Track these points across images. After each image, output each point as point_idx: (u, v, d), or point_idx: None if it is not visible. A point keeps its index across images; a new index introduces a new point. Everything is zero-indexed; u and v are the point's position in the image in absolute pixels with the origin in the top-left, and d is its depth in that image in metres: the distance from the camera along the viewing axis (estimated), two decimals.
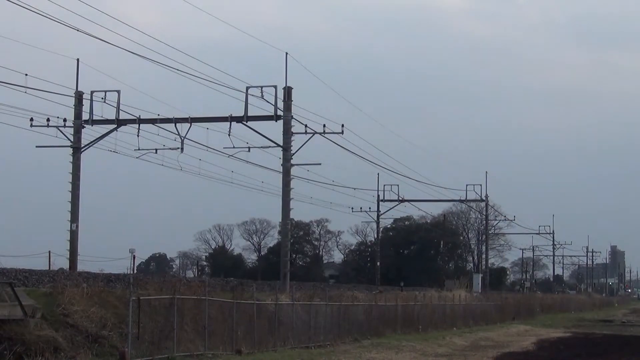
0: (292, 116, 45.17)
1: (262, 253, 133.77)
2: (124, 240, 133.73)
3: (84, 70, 47.65)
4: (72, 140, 46.83)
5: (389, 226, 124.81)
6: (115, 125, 46.58)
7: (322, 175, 55.50)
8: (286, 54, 45.21)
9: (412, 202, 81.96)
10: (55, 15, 32.50)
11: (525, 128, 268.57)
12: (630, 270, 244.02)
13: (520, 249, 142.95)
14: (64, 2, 32.54)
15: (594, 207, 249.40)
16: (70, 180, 46.84)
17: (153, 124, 45.81)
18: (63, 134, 46.60)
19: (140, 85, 73.72)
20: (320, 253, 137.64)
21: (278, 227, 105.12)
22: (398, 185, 78.43)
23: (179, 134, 45.27)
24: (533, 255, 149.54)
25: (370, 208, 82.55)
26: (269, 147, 45.66)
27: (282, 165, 45.74)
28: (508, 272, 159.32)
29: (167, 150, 46.38)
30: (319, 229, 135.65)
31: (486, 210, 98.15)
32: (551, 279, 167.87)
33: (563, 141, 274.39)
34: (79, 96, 46.54)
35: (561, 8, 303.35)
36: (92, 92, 46.21)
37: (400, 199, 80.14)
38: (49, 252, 49.06)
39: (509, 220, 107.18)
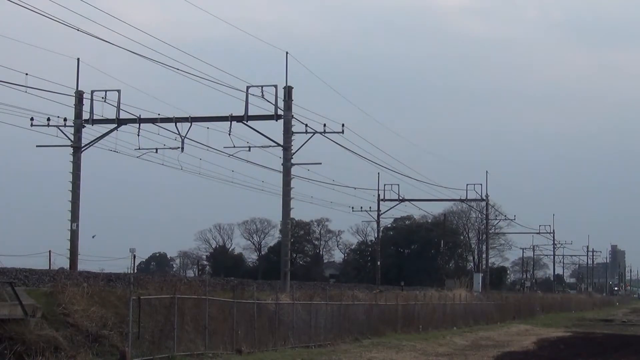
0: (292, 116, 45.15)
1: (263, 252, 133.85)
2: (125, 239, 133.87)
3: (84, 69, 47.70)
4: (72, 139, 46.82)
5: (389, 225, 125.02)
6: (116, 125, 46.57)
7: (322, 175, 55.54)
8: (286, 53, 45.25)
9: (412, 202, 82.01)
10: (55, 15, 32.53)
11: (526, 127, 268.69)
12: (631, 270, 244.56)
13: (521, 248, 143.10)
14: (64, 1, 32.57)
15: (594, 206, 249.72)
16: (71, 180, 46.83)
17: (153, 123, 45.79)
18: (63, 133, 46.62)
19: (141, 85, 73.79)
20: (321, 252, 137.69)
21: (278, 226, 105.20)
22: (398, 185, 78.58)
23: (179, 134, 45.29)
24: (533, 255, 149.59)
25: (370, 207, 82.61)
26: (270, 146, 45.68)
27: (282, 164, 45.72)
28: (508, 272, 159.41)
29: (167, 149, 46.39)
30: (319, 229, 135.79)
31: (486, 210, 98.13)
32: (551, 279, 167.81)
33: (563, 141, 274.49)
34: (79, 96, 46.54)
35: (561, 8, 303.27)
36: (92, 92, 46.20)
37: (400, 198, 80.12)
38: (50, 251, 49.08)
39: (509, 219, 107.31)
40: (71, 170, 46.90)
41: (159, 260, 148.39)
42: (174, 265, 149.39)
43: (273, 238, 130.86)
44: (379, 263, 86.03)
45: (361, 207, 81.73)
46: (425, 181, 73.10)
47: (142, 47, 45.63)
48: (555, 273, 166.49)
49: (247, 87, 44.30)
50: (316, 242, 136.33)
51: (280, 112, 44.55)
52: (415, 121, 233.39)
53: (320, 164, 49.08)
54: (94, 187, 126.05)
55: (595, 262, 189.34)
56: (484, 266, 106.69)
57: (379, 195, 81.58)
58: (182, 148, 45.56)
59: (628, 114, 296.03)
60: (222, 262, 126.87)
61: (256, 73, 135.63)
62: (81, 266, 45.97)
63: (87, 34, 34.88)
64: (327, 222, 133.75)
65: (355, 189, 70.63)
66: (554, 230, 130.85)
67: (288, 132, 45.28)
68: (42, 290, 28.88)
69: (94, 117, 46.48)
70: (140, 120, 45.82)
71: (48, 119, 45.61)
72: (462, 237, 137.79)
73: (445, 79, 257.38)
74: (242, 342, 32.75)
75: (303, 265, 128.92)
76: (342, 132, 46.53)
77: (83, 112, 46.54)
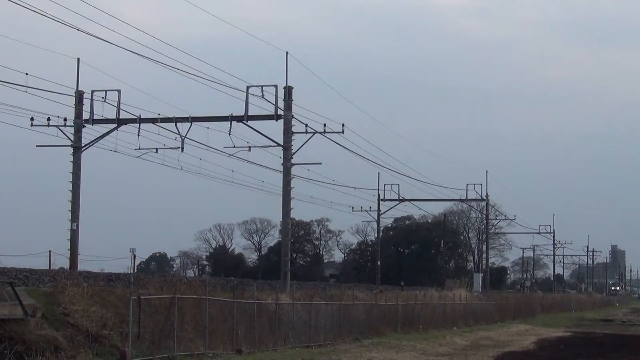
0: (292, 115, 45.14)
1: (263, 252, 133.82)
2: (125, 239, 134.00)
3: (84, 69, 47.66)
4: (72, 139, 46.81)
5: (389, 225, 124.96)
6: (116, 125, 46.55)
7: (322, 175, 55.51)
8: (287, 53, 45.24)
9: (412, 202, 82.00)
10: (55, 15, 32.52)
11: (526, 127, 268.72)
12: (631, 270, 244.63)
13: (521, 248, 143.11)
14: (64, 1, 32.56)
15: (594, 206, 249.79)
16: (71, 180, 46.83)
17: (153, 123, 45.77)
18: (63, 133, 46.61)
19: (141, 84, 73.50)
20: (321, 252, 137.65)
21: (279, 226, 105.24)
22: (399, 185, 78.56)
23: (179, 134, 45.27)
24: (533, 255, 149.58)
25: (370, 207, 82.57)
26: (270, 146, 45.66)
27: (282, 164, 45.71)
28: (508, 272, 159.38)
29: (167, 149, 46.36)
30: (319, 229, 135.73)
31: (487, 210, 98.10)
32: (552, 279, 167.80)
33: (563, 141, 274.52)
34: (79, 95, 46.53)
35: (561, 8, 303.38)
36: (92, 92, 46.19)
37: (400, 198, 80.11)
38: (50, 251, 49.09)
39: (509, 219, 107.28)
40: (71, 170, 46.89)
41: (159, 260, 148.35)
42: (174, 265, 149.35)
43: (273, 238, 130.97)
44: (379, 263, 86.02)
45: (361, 207, 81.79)
46: (425, 181, 73.17)
47: (142, 47, 45.61)
48: (555, 273, 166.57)
49: (247, 87, 44.31)
50: (316, 242, 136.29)
51: (280, 112, 44.54)
52: (416, 121, 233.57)
53: (320, 164, 49.13)
54: (94, 187, 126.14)
55: (595, 262, 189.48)
56: (484, 266, 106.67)
57: (379, 195, 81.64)
58: (182, 148, 45.56)
59: (628, 114, 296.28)
60: (222, 262, 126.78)
61: (256, 73, 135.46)
62: (81, 266, 45.99)
63: (87, 33, 34.93)
64: (327, 222, 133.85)
65: (355, 189, 70.66)
66: (554, 230, 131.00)
67: (288, 132, 45.27)
68: (42, 290, 28.89)
69: (94, 117, 46.46)
70: (140, 120, 45.80)
71: (48, 119, 45.62)
72: (462, 237, 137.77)
73: (445, 78, 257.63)
74: (242, 342, 32.75)
75: (303, 265, 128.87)
76: (342, 132, 46.56)
77: (83, 112, 46.55)
